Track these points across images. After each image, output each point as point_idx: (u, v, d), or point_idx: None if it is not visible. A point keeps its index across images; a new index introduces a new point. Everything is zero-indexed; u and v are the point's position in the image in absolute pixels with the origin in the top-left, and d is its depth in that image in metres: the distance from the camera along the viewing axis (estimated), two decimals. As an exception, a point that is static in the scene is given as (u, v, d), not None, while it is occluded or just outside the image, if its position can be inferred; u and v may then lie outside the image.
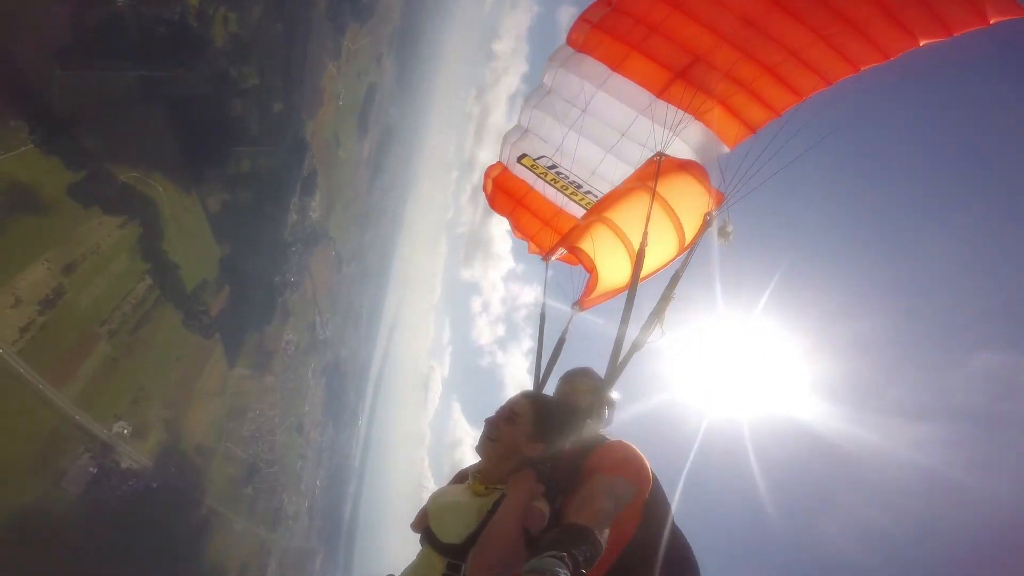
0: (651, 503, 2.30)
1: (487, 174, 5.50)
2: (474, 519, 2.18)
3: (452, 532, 2.22)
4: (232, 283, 66.52)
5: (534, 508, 2.12)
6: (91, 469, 47.46)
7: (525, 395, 2.57)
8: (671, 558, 2.28)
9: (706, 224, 4.01)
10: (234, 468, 68.59)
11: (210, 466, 63.38)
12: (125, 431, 50.86)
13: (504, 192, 5.45)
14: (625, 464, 2.27)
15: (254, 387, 74.01)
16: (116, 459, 50.10)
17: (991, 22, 3.20)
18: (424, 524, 2.39)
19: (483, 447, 2.45)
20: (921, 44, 3.50)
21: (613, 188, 4.97)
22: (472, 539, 2.10)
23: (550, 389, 3.66)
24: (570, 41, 4.60)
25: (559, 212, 5.25)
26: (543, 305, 4.60)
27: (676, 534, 2.39)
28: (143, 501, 51.93)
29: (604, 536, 1.72)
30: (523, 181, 5.35)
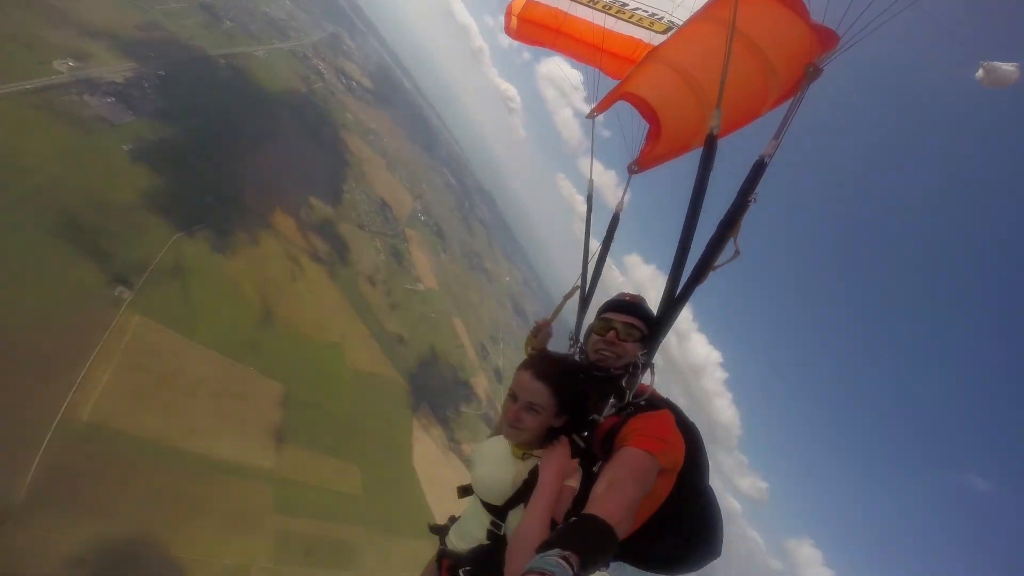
0: (687, 470, 2.27)
1: (508, 11, 4.50)
2: (510, 488, 2.28)
3: (491, 497, 2.34)
4: None
5: (564, 490, 2.14)
6: (108, 100, 45.44)
7: (538, 376, 2.29)
8: (692, 520, 2.32)
9: (808, 77, 2.74)
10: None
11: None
12: (70, 63, 45.22)
13: (534, 24, 4.53)
14: (656, 440, 2.16)
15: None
16: (110, 80, 47.25)
17: None
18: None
19: (509, 434, 2.39)
20: None
21: (669, 17, 4.19)
22: (511, 502, 2.25)
23: (600, 292, 3.41)
24: None
25: (608, 33, 4.40)
26: (591, 182, 3.86)
27: (705, 496, 2.40)
28: (173, 87, 55.48)
29: (624, 527, 1.75)
30: (554, 8, 4.42)
